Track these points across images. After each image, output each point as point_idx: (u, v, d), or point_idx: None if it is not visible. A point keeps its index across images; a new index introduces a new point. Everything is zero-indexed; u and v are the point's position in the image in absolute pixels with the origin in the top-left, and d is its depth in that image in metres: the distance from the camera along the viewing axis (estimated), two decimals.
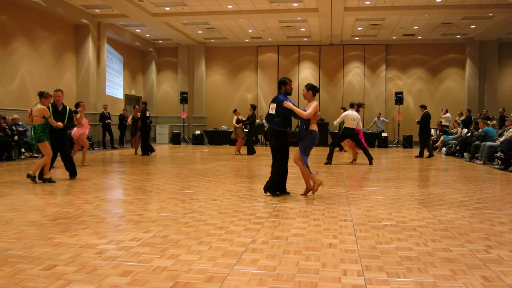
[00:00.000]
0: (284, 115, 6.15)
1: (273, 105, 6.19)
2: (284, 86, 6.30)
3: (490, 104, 19.96)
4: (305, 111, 6.09)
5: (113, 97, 19.47)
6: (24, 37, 14.13)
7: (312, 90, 6.30)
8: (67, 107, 8.12)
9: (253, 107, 14.48)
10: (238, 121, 14.47)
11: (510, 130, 11.40)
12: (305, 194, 6.32)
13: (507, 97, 20.29)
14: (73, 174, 8.01)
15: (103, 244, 3.76)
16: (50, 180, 7.45)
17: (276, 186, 6.31)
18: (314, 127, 6.18)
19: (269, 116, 6.26)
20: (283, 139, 6.24)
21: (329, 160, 11.12)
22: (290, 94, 6.33)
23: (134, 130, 14.25)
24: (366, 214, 5.11)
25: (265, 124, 20.63)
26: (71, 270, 3.09)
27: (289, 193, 6.44)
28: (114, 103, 19.43)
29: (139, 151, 14.20)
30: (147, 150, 13.96)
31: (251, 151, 14.39)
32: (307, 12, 16.24)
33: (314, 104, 6.10)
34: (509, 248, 3.76)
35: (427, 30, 19.09)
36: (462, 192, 6.79)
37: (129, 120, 14.40)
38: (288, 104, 6.03)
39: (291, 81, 6.39)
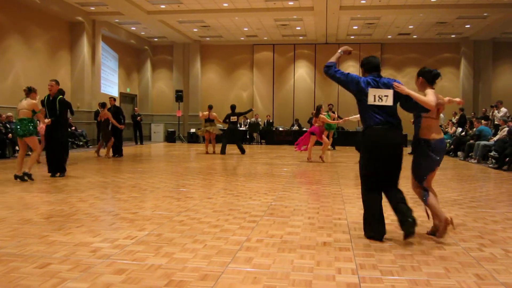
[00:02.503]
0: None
1: (385, 92, 3.95)
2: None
3: (484, 104, 20.06)
4: None
5: (108, 95, 19.38)
6: (18, 35, 14.05)
7: (424, 75, 4.19)
8: (58, 98, 8.01)
9: (232, 108, 13.98)
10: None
11: (504, 129, 11.47)
12: (431, 233, 4.12)
13: (501, 96, 20.33)
14: (60, 170, 8.05)
15: (97, 242, 3.74)
16: (29, 176, 7.40)
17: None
18: (428, 133, 4.05)
19: (387, 111, 3.96)
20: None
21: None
22: None
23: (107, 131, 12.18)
24: (360, 212, 5.10)
25: (258, 121, 20.60)
26: (65, 268, 3.08)
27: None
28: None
29: (104, 153, 12.44)
30: (119, 151, 12.54)
31: (223, 151, 13.73)
32: (302, 10, 16.25)
33: (431, 91, 4.07)
34: (502, 247, 3.78)
35: (422, 29, 19.16)
36: (456, 191, 6.83)
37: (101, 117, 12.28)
38: (402, 87, 3.97)
39: None
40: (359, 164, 4.12)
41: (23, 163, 7.48)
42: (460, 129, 15.51)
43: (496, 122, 13.98)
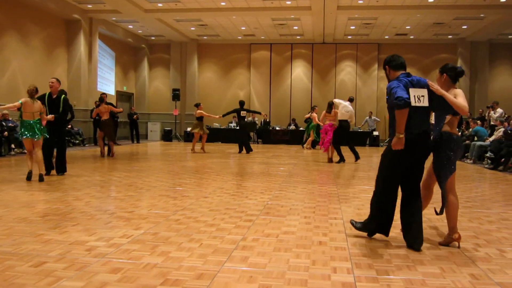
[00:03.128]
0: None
1: (421, 92, 3.69)
2: None
3: (481, 104, 20.13)
4: None
5: (104, 93, 19.36)
6: (15, 32, 13.99)
7: (449, 72, 3.90)
8: (62, 96, 7.92)
9: (241, 103, 14.10)
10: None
11: (500, 130, 11.51)
12: (445, 243, 3.84)
13: (497, 97, 20.41)
14: (62, 170, 7.96)
15: (93, 241, 3.74)
16: (41, 177, 7.29)
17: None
18: (450, 128, 3.89)
19: (421, 112, 3.72)
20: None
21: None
22: None
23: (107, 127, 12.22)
24: (356, 212, 5.13)
25: (254, 120, 20.59)
26: (60, 267, 3.07)
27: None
28: None
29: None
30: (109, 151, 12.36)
31: (250, 149, 13.96)
32: (300, 10, 16.26)
33: (461, 92, 3.83)
34: (497, 247, 3.80)
35: (419, 30, 19.20)
36: None
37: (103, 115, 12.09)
38: (437, 87, 3.74)
39: None
40: (383, 164, 3.99)
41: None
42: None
43: (492, 123, 14.03)
